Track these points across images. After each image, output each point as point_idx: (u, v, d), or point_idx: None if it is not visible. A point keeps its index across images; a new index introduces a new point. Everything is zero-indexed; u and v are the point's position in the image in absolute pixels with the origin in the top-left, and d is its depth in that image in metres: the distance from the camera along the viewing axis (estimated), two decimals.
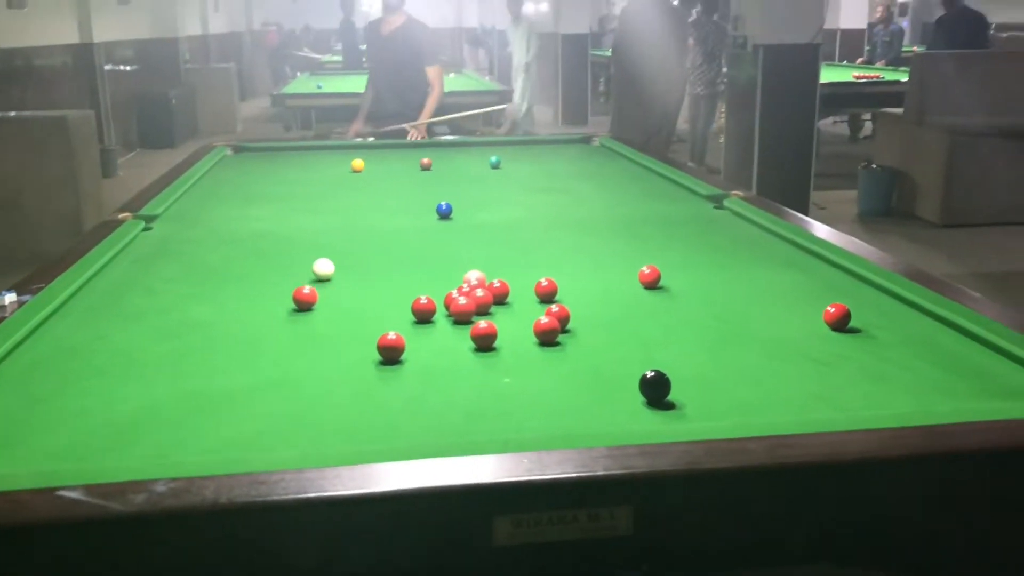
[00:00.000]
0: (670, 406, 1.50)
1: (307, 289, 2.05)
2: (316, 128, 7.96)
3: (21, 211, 5.60)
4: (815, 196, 6.58)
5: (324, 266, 2.25)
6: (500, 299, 2.04)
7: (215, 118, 11.22)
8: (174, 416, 1.49)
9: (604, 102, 12.69)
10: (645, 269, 2.19)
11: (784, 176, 6.14)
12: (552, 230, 2.84)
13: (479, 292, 2.00)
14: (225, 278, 2.31)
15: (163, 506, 1.13)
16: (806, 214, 6.14)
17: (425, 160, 3.92)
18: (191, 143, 8.92)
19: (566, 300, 2.04)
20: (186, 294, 2.17)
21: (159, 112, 9.93)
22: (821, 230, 2.55)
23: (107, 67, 9.17)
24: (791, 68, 6.02)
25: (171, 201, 3.15)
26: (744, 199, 3.00)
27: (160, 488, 1.16)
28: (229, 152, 4.37)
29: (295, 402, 1.55)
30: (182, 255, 2.53)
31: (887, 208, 6.94)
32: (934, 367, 1.66)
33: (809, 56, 6.04)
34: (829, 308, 1.88)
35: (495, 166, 3.91)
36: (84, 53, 8.89)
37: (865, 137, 10.43)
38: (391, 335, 1.74)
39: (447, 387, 1.61)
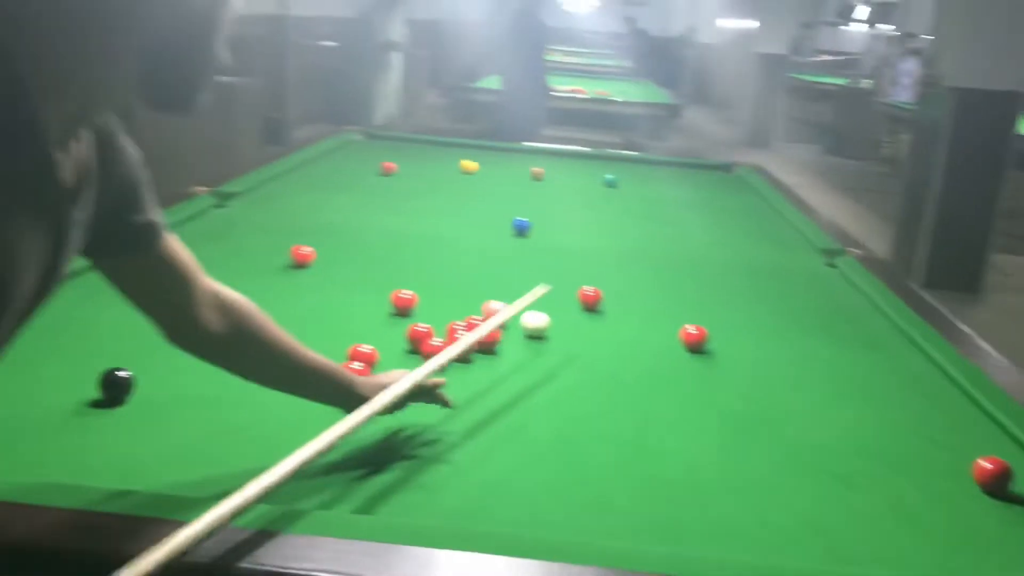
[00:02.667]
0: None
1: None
2: (481, 121, 7.89)
3: (166, 165, 5.77)
4: (999, 259, 5.90)
5: (536, 319, 1.87)
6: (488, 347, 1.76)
7: (388, 101, 11.31)
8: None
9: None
10: (691, 328, 1.89)
11: (961, 233, 5.53)
12: (631, 264, 2.56)
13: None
14: (258, 268, 2.19)
15: None
16: (980, 278, 5.55)
17: (537, 170, 3.71)
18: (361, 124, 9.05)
19: (605, 350, 1.84)
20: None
21: (342, 89, 10.14)
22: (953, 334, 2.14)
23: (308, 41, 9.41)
24: (985, 116, 5.39)
25: (258, 181, 3.08)
26: (860, 259, 2.61)
27: None
28: (358, 138, 4.32)
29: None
30: (229, 239, 2.43)
31: None
32: None
33: (1008, 104, 5.40)
34: (983, 462, 1.39)
35: (610, 185, 3.65)
36: (278, 24, 9.18)
37: None
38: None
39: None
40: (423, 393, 1.37)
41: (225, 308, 1.20)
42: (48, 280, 0.92)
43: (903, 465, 1.45)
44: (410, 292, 1.95)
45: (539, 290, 1.81)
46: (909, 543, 1.22)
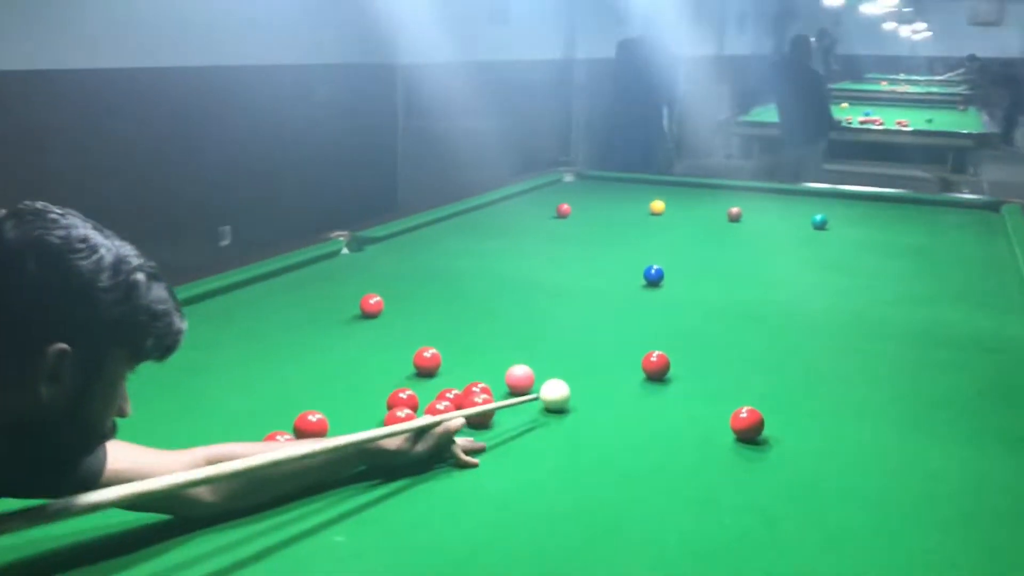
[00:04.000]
0: None
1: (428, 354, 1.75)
2: (759, 158, 7.40)
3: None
4: None
5: (554, 389, 1.58)
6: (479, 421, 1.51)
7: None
8: None
9: None
10: (743, 412, 1.50)
11: None
12: (760, 324, 2.15)
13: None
14: (322, 318, 2.09)
15: None
16: None
17: (734, 210, 3.32)
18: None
19: (625, 433, 1.53)
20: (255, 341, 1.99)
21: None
22: None
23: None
24: None
25: (409, 225, 3.01)
26: None
27: None
28: (569, 179, 4.16)
29: None
30: (322, 285, 2.36)
31: None
32: None
33: None
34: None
35: (818, 227, 3.17)
36: (564, 67, 9.26)
37: None
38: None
39: None
40: (441, 448, 1.34)
41: None
42: None
43: None
44: (432, 351, 1.75)
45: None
46: None
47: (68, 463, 0.96)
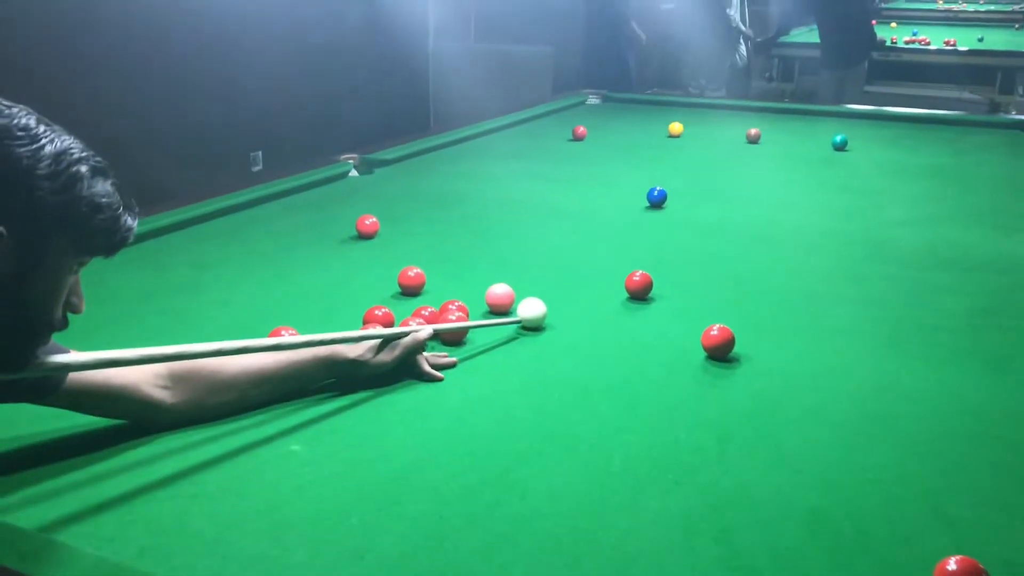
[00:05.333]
0: None
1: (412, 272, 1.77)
2: (798, 81, 7.21)
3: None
4: None
5: (530, 308, 1.59)
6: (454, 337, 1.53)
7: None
8: None
9: None
10: (713, 330, 1.50)
11: None
12: (754, 244, 2.13)
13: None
14: (319, 239, 2.11)
15: None
16: None
17: (753, 131, 3.25)
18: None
19: (592, 350, 1.50)
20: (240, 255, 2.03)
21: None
22: None
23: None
24: None
25: (422, 148, 3.01)
26: None
27: None
28: (595, 101, 4.11)
29: None
30: (324, 208, 2.38)
31: None
32: None
33: None
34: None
35: (838, 147, 3.10)
36: None
37: None
38: None
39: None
40: (407, 359, 1.37)
41: (174, 376, 1.21)
42: None
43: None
44: (416, 271, 1.76)
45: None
46: None
47: (13, 345, 0.98)
